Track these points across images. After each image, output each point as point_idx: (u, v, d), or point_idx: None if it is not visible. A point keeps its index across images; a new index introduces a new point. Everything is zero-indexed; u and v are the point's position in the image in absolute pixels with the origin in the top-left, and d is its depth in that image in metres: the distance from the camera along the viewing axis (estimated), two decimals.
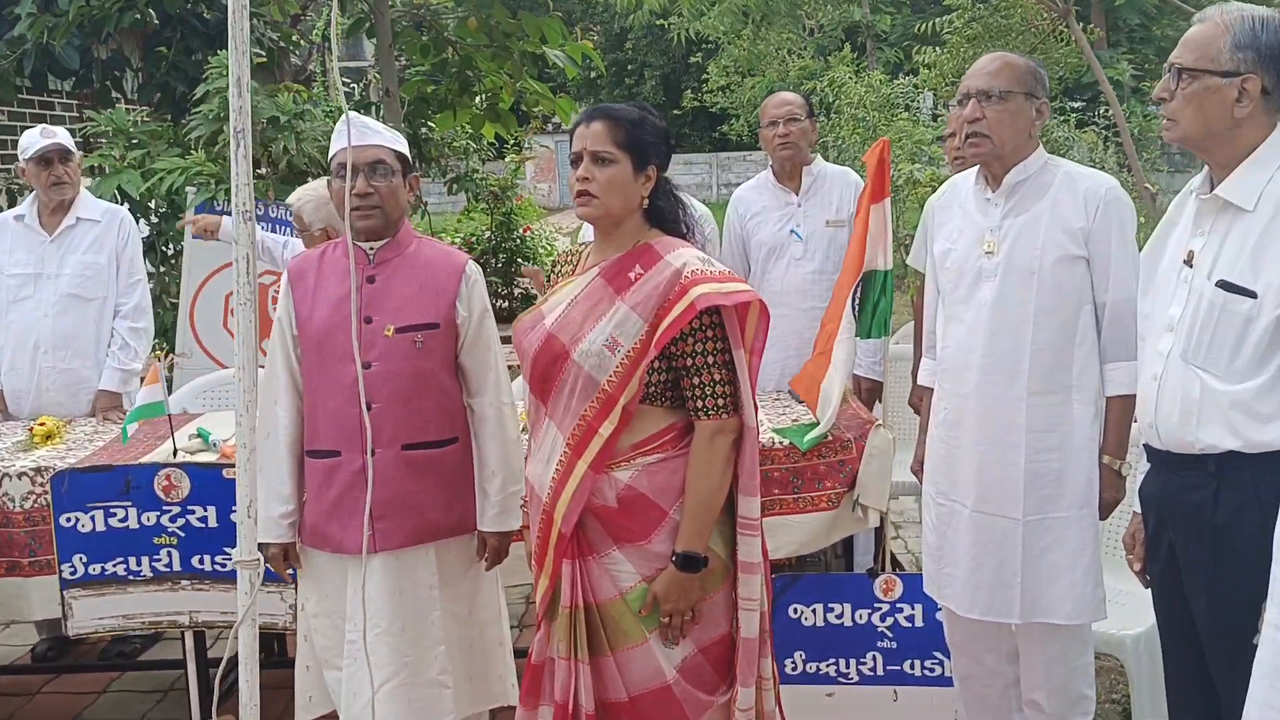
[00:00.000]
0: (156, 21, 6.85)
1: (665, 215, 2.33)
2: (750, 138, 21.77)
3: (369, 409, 2.56)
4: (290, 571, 2.80)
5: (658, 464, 2.25)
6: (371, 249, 2.68)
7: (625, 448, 2.25)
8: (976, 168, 2.74)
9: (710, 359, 2.23)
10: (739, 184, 4.49)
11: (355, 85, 12.50)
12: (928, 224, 3.05)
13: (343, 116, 2.56)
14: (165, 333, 5.49)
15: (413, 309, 2.65)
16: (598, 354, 2.21)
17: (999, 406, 2.65)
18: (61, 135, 3.89)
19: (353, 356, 2.49)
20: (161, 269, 6.03)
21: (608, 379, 2.21)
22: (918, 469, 3.00)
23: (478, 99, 8.54)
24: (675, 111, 26.77)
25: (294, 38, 8.01)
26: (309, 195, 3.40)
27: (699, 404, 2.24)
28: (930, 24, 11.08)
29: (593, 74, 20.73)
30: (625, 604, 2.26)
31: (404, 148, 2.70)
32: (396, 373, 2.62)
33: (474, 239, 11.22)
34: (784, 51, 18.34)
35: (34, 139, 3.84)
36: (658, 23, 18.98)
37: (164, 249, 6.03)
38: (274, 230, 4.85)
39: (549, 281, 2.49)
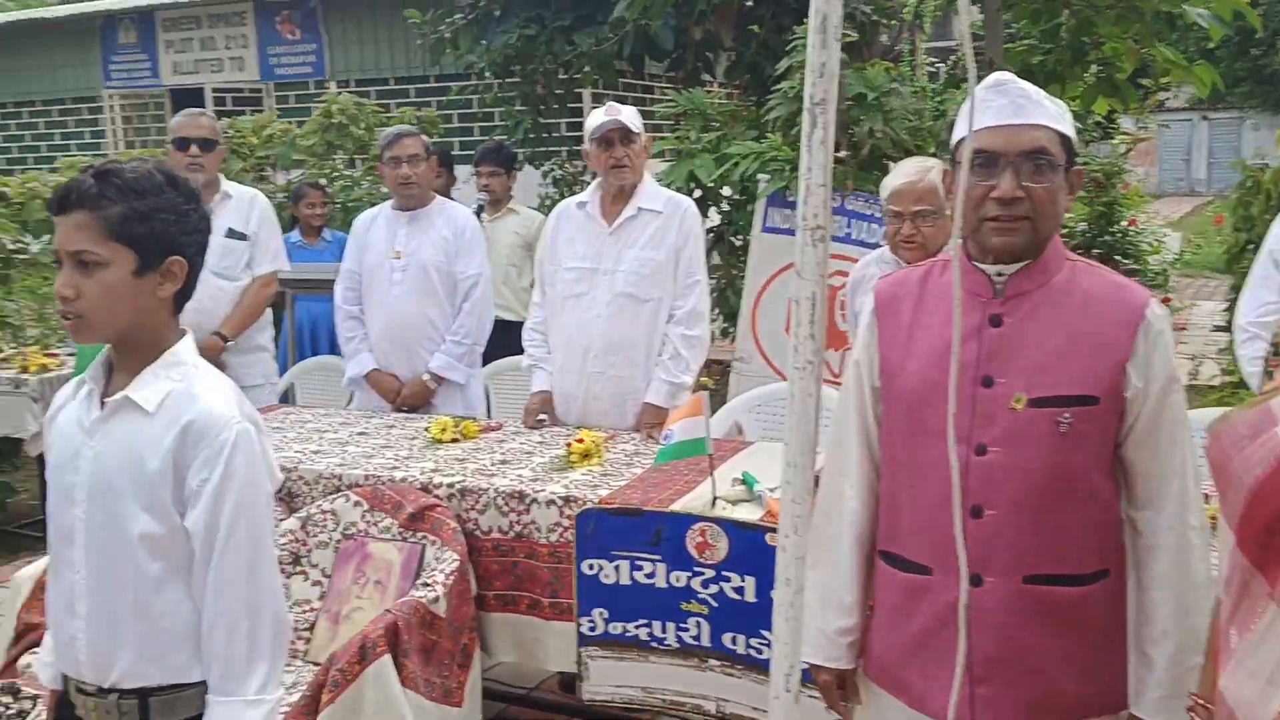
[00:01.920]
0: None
1: None
2: None
3: (976, 515, 1.71)
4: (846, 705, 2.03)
5: None
6: (1000, 275, 1.79)
7: None
8: None
9: None
10: None
11: (941, 65, 11.66)
12: None
13: (983, 84, 1.70)
14: (726, 333, 5.06)
15: (1059, 371, 1.72)
16: None
17: None
18: (625, 114, 3.46)
19: (956, 433, 1.64)
20: (729, 260, 5.63)
21: None
22: None
23: (1090, 69, 7.30)
24: None
25: (887, 10, 7.34)
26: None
27: None
28: None
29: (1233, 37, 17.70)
30: None
31: (1070, 128, 1.77)
32: (1026, 466, 1.72)
33: (1064, 232, 9.84)
34: None
35: (597, 118, 3.46)
36: None
37: (733, 239, 5.62)
38: (849, 226, 4.15)
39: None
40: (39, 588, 3.06)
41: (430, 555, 2.91)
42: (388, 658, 2.52)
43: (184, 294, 1.74)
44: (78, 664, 1.72)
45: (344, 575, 2.99)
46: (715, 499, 2.71)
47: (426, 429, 3.54)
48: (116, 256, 1.64)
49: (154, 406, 1.67)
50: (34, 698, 2.45)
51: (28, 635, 3.02)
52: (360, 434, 3.61)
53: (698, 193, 5.33)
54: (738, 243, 5.65)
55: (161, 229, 1.67)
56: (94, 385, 1.74)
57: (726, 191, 5.52)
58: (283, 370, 5.12)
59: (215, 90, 13.57)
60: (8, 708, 2.44)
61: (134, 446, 1.66)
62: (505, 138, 7.83)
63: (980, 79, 1.62)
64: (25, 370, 5.12)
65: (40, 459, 5.25)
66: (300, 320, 5.92)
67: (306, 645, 2.93)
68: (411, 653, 2.61)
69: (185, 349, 1.74)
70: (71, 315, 1.66)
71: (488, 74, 7.74)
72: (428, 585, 2.75)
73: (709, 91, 6.71)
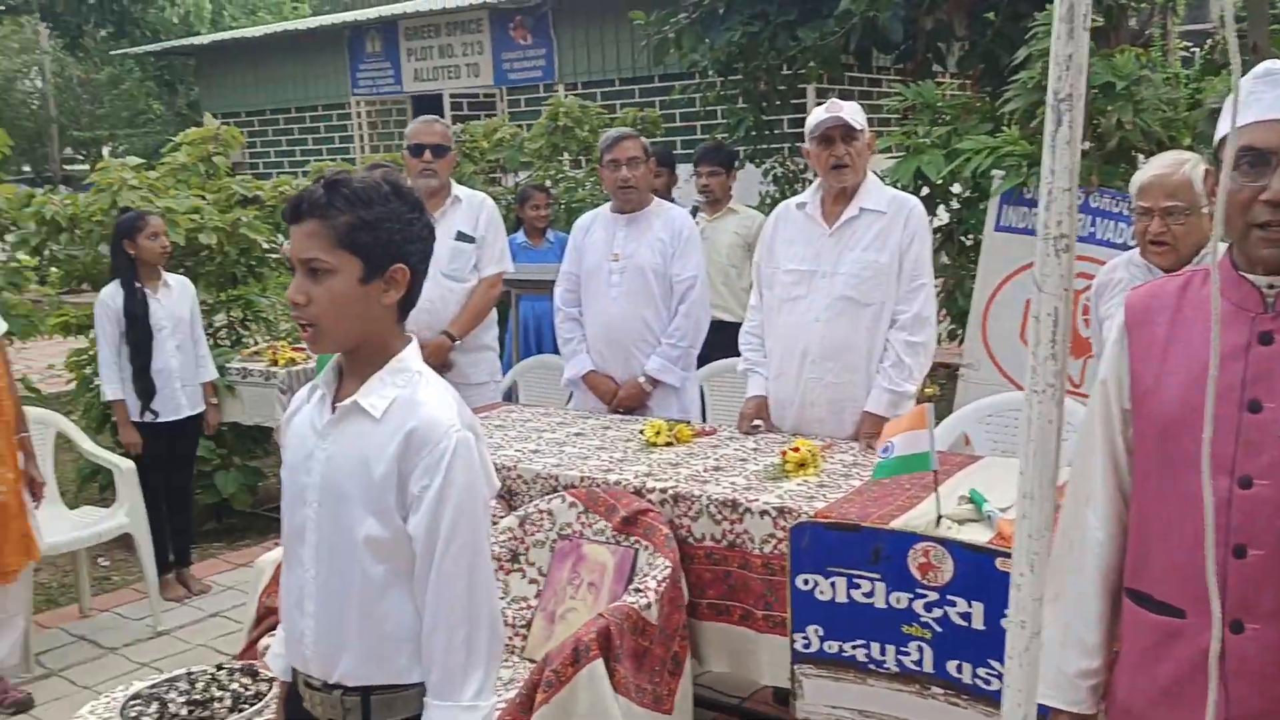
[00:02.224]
0: None
1: None
2: None
3: (1239, 555, 1.53)
4: None
5: None
6: (1271, 289, 1.57)
7: None
8: None
9: None
10: None
11: (1196, 50, 10.82)
12: None
13: (1251, 74, 1.52)
14: (953, 335, 4.83)
15: None
16: None
17: None
18: (847, 111, 3.33)
19: (1217, 463, 1.46)
20: (958, 260, 5.37)
21: None
22: None
23: None
24: None
25: None
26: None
27: None
28: None
29: None
30: None
31: None
32: None
33: None
34: None
35: (818, 115, 3.34)
36: None
37: (962, 239, 5.37)
38: (1093, 225, 3.86)
39: None
40: (280, 574, 3.24)
41: (643, 560, 2.90)
42: (600, 662, 2.52)
43: (408, 301, 1.77)
44: (305, 659, 1.79)
45: (559, 575, 3.02)
46: (940, 517, 2.56)
47: (641, 431, 3.54)
48: (344, 264, 1.68)
49: (380, 413, 1.70)
50: (270, 680, 2.58)
51: (267, 619, 3.20)
52: (577, 435, 3.65)
53: (925, 190, 5.11)
54: (967, 242, 5.39)
55: (386, 237, 1.70)
56: (326, 390, 1.79)
57: (956, 189, 5.28)
58: (507, 368, 5.27)
59: (452, 96, 14.19)
60: (245, 688, 2.58)
61: (361, 451, 1.71)
62: (725, 136, 7.79)
63: (1244, 65, 1.43)
64: (275, 363, 5.47)
65: None
66: (524, 319, 6.07)
67: (523, 642, 2.98)
68: (623, 658, 2.60)
69: (410, 355, 1.77)
70: (306, 323, 1.71)
71: (710, 72, 7.72)
72: (640, 591, 2.73)
73: (939, 83, 6.44)
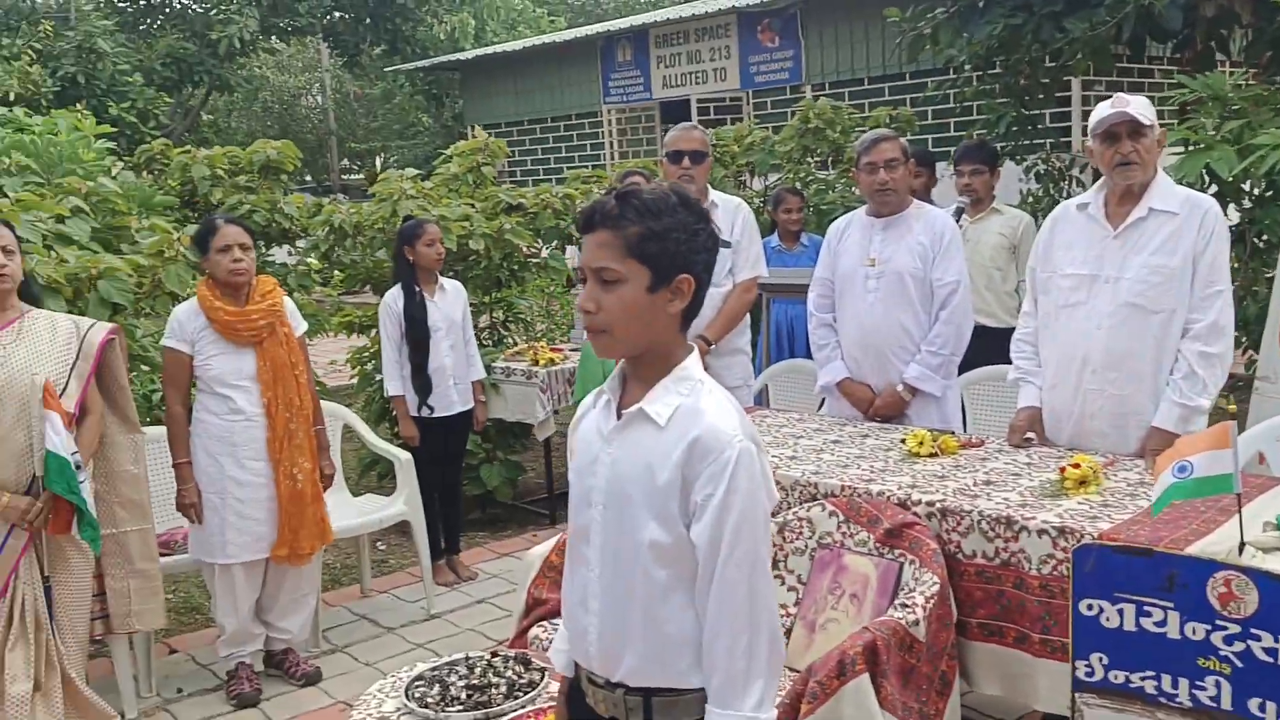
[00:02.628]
0: None
1: None
2: None
3: None
4: None
5: None
6: None
7: None
8: None
9: None
10: None
11: None
12: None
13: None
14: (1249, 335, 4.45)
15: None
16: None
17: None
18: (1135, 105, 3.13)
19: None
20: (1252, 263, 4.96)
21: None
22: None
23: None
24: None
25: None
26: None
27: None
28: None
29: None
30: None
31: None
32: None
33: None
34: None
35: (1102, 111, 3.16)
36: None
37: (1255, 241, 4.95)
38: None
39: None
40: (547, 566, 3.37)
41: (908, 574, 2.83)
42: (866, 677, 2.47)
43: (691, 310, 1.80)
44: (589, 656, 1.85)
45: (819, 584, 2.99)
46: (1243, 544, 2.36)
47: (902, 441, 3.46)
48: (633, 273, 1.73)
49: (665, 420, 1.74)
50: (542, 670, 2.69)
51: (536, 609, 3.33)
52: (834, 442, 3.61)
53: (1213, 188, 4.74)
54: (1260, 244, 4.97)
55: (674, 247, 1.73)
56: (611, 396, 1.85)
57: (1247, 186, 4.87)
58: (758, 372, 5.27)
59: (700, 101, 14.37)
60: (519, 675, 2.69)
61: (646, 457, 1.75)
62: (983, 133, 7.51)
63: None
64: (535, 363, 5.71)
65: (547, 443, 5.84)
66: (776, 322, 6.06)
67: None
68: (890, 674, 2.55)
69: (693, 364, 1.80)
70: (595, 329, 1.77)
71: (966, 67, 7.46)
72: (906, 606, 2.67)
73: (1231, 73, 5.96)
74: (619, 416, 1.81)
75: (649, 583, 1.75)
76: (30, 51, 15.96)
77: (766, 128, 8.89)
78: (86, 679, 3.48)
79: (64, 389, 3.38)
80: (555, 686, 2.64)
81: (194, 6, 19.49)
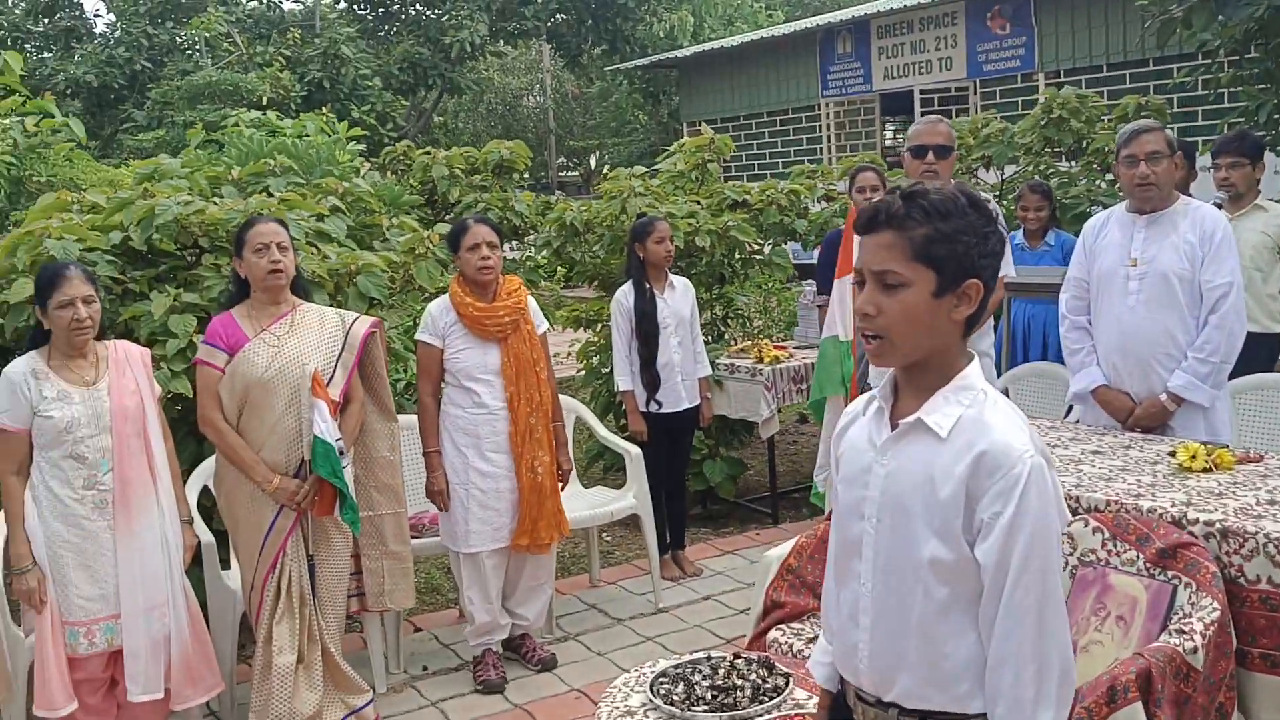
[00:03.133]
0: None
1: None
2: None
3: None
4: None
5: None
6: None
7: None
8: None
9: None
10: None
11: None
12: None
13: None
14: None
15: None
16: None
17: None
18: None
19: None
20: None
21: None
22: None
23: None
24: None
25: None
26: None
27: None
28: None
29: None
30: None
31: None
32: None
33: None
34: None
35: None
36: None
37: None
38: None
39: None
40: (785, 569, 3.33)
41: (1182, 598, 2.63)
42: (1139, 705, 2.32)
43: (976, 317, 1.72)
44: (858, 672, 1.79)
45: (1081, 604, 2.82)
46: None
47: (1171, 454, 3.23)
48: (918, 277, 1.66)
49: (946, 431, 1.67)
50: (786, 676, 2.65)
51: (774, 612, 3.30)
52: (1093, 453, 3.41)
53: None
54: None
55: (963, 251, 1.66)
56: (884, 404, 1.79)
57: None
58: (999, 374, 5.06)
59: (922, 92, 13.96)
60: (764, 680, 2.67)
61: (926, 471, 1.68)
62: (1240, 122, 6.95)
63: None
64: (760, 360, 5.67)
65: (771, 441, 5.80)
66: (1015, 323, 5.81)
67: None
68: (1164, 704, 2.38)
69: (975, 373, 1.72)
70: (872, 335, 1.71)
71: (1221, 52, 6.91)
72: (1183, 633, 2.48)
73: None
74: (893, 426, 1.75)
75: (927, 601, 1.68)
76: (280, 58, 17.14)
77: (999, 118, 8.54)
78: (342, 653, 3.68)
79: (330, 378, 3.58)
80: (800, 693, 2.62)
81: (428, 13, 20.42)
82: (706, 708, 2.56)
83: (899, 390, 1.79)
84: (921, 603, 1.68)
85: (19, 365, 3.30)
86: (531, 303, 4.18)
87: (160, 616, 3.37)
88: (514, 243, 7.67)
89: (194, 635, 3.47)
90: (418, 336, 4.10)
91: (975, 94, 13.41)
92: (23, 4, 19.76)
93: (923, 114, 12.57)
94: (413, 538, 4.05)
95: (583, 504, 4.73)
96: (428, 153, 7.51)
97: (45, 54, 19.32)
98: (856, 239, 1.78)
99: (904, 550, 1.70)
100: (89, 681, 3.35)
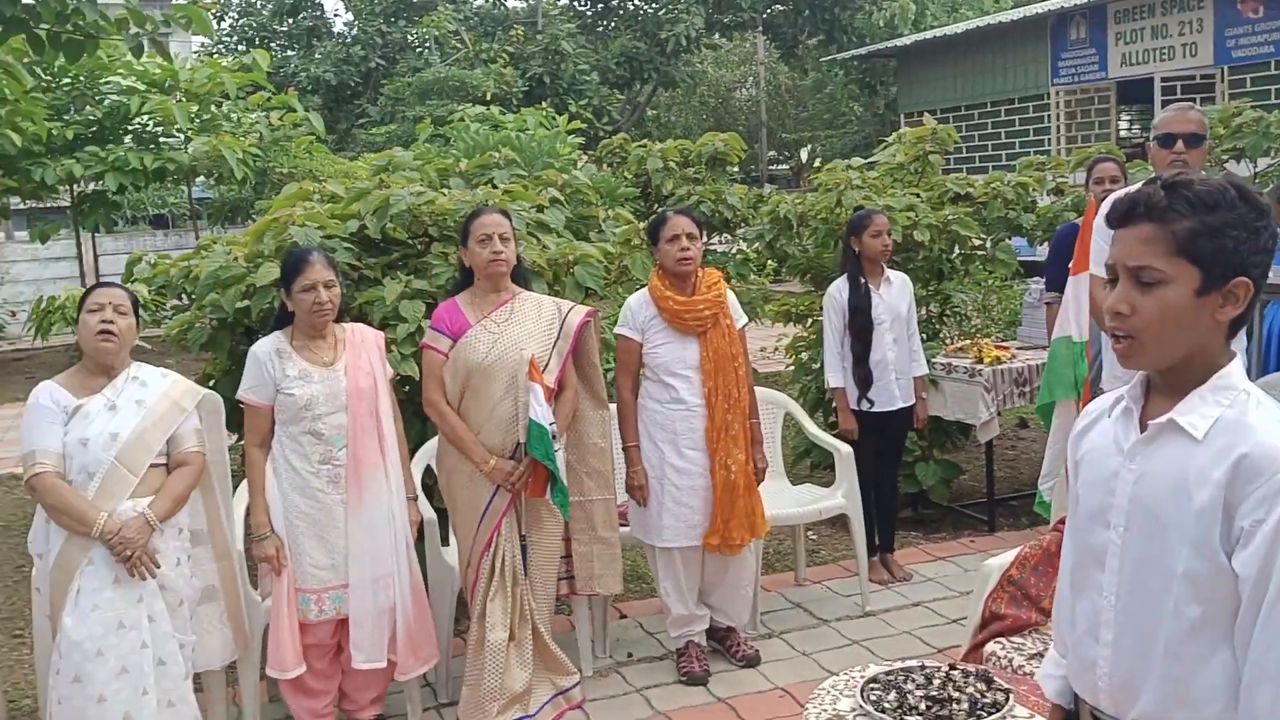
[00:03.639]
0: None
1: None
2: None
3: None
4: None
5: None
6: None
7: None
8: None
9: None
10: None
11: None
12: None
13: None
14: None
15: None
16: None
17: None
18: None
19: None
20: None
21: None
22: None
23: None
24: None
25: None
26: None
27: None
28: None
29: None
30: None
31: None
32: None
33: None
34: None
35: None
36: None
37: None
38: None
39: None
40: (1006, 580, 3.18)
41: None
42: None
43: (1242, 319, 1.57)
44: (1095, 690, 1.68)
45: None
46: None
47: None
48: (1179, 273, 1.53)
49: (1202, 433, 1.53)
50: (1007, 692, 2.52)
51: (993, 624, 3.16)
52: None
53: None
54: None
55: (1231, 246, 1.52)
56: (1133, 404, 1.66)
57: None
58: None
59: (1164, 79, 13.09)
60: (982, 694, 2.55)
61: (1179, 476, 1.55)
62: None
63: None
64: (980, 360, 5.44)
65: (989, 445, 5.57)
66: (1269, 328, 5.34)
67: None
68: None
69: (1237, 371, 1.57)
70: (1123, 334, 1.59)
71: None
72: None
73: None
74: (1142, 427, 1.62)
75: (1177, 618, 1.55)
76: (504, 55, 17.76)
77: (1252, 106, 7.90)
78: (552, 634, 3.76)
79: (546, 364, 3.66)
80: (1020, 711, 2.48)
81: (646, 7, 20.70)
82: (920, 718, 2.47)
83: (1150, 390, 1.66)
84: (1171, 620, 1.55)
85: (265, 345, 3.53)
86: (731, 297, 4.14)
87: (385, 588, 3.53)
88: (725, 236, 7.66)
89: (416, 608, 3.62)
90: (617, 330, 4.11)
91: (1223, 81, 12.47)
92: (270, 5, 21.24)
93: (1164, 103, 11.79)
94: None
95: (789, 500, 4.66)
96: (643, 145, 7.59)
97: (289, 52, 20.71)
98: (1100, 232, 1.66)
99: (1154, 563, 1.57)
100: (317, 647, 3.55)
